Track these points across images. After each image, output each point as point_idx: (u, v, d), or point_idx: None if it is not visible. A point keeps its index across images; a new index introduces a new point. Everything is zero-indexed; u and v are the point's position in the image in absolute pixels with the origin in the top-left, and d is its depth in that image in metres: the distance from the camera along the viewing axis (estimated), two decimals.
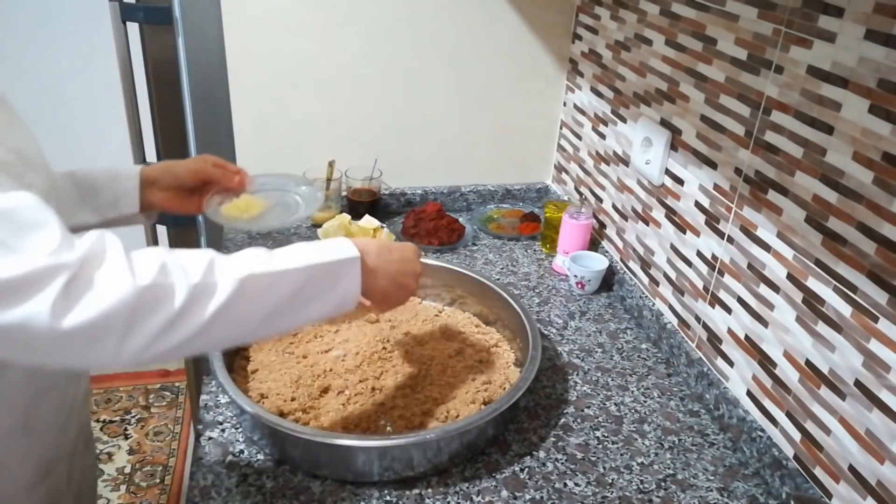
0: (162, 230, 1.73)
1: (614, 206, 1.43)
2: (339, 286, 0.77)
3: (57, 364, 0.65)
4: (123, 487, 2.16)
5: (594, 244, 1.48)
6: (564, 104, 1.65)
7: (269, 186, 1.11)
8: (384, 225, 1.50)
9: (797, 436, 0.93)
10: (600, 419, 1.06)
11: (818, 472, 0.89)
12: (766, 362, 0.99)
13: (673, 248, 1.21)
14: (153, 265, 0.65)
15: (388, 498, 0.90)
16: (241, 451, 0.95)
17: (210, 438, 0.97)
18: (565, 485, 0.93)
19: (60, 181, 0.92)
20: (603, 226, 1.48)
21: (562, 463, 0.97)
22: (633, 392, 1.12)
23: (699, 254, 1.13)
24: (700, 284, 1.14)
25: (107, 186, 0.97)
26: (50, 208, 0.65)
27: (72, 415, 0.91)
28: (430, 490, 0.91)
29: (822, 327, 0.87)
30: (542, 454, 0.98)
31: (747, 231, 1.01)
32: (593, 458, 0.98)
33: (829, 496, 0.87)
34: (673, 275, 1.22)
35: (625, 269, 1.39)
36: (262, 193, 1.09)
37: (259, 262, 0.72)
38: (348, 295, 0.78)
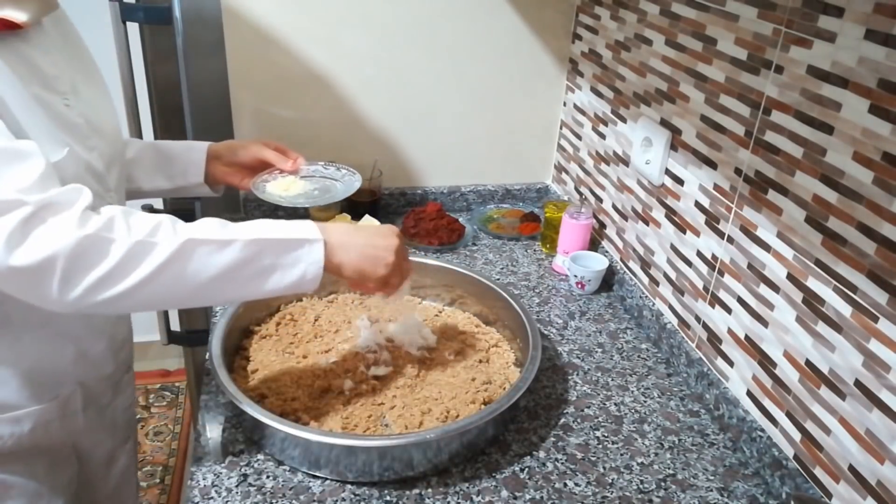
0: None
1: (614, 206, 1.43)
2: (297, 265, 0.80)
3: (10, 293, 0.71)
4: None
5: (594, 244, 1.48)
6: (564, 104, 1.65)
7: (319, 173, 1.18)
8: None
9: (797, 436, 0.93)
10: (600, 419, 1.06)
11: (818, 472, 0.89)
12: (766, 362, 0.99)
13: (673, 248, 1.21)
14: (101, 219, 0.71)
15: (388, 498, 0.90)
16: (241, 451, 0.95)
17: (210, 438, 0.97)
18: (565, 485, 0.93)
19: (144, 150, 1.08)
20: (603, 226, 1.48)
21: (562, 463, 0.97)
22: (633, 392, 1.12)
23: (699, 254, 1.13)
24: (700, 284, 1.14)
25: (180, 157, 1.09)
26: (41, 156, 0.71)
27: (66, 342, 0.91)
28: (430, 490, 0.91)
29: (822, 327, 0.87)
30: (542, 454, 0.98)
31: (747, 231, 1.01)
32: (593, 458, 0.98)
33: (829, 496, 0.88)
34: (673, 275, 1.22)
35: (625, 269, 1.39)
36: (310, 179, 1.15)
37: (209, 229, 0.76)
38: (308, 274, 0.81)
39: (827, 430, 0.87)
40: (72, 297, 0.70)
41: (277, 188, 1.11)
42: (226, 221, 0.79)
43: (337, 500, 0.89)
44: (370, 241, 0.87)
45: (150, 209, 1.68)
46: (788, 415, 0.94)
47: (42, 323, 0.86)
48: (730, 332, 1.06)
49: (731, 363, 1.07)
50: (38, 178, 0.69)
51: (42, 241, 0.68)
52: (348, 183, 1.16)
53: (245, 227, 0.79)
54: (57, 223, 0.69)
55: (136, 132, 1.58)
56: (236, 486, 0.90)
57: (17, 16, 0.73)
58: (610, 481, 0.94)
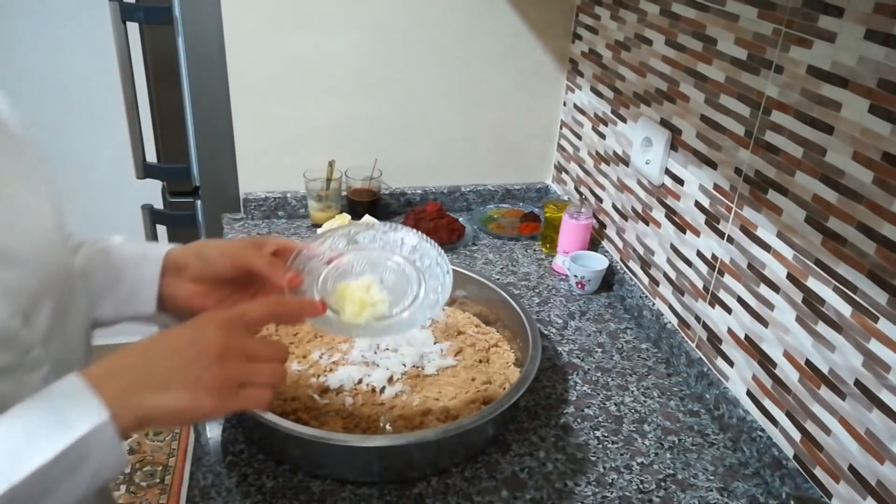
0: (162, 230, 1.73)
1: (614, 206, 1.43)
2: (86, 467, 0.53)
3: None
4: (123, 487, 2.16)
5: (594, 244, 1.48)
6: (564, 104, 1.65)
7: (359, 248, 0.81)
8: None
9: (797, 436, 0.93)
10: (600, 419, 1.06)
11: (818, 471, 0.89)
12: (766, 362, 0.99)
13: (673, 248, 1.21)
14: None
15: (388, 498, 0.90)
16: (241, 451, 0.95)
17: (210, 438, 0.97)
18: (565, 485, 0.93)
19: (94, 258, 0.76)
20: (603, 226, 1.48)
21: (562, 463, 0.97)
22: (633, 392, 1.12)
23: (699, 254, 1.13)
24: (700, 284, 1.14)
25: (129, 273, 0.76)
26: None
27: None
28: (430, 490, 0.91)
29: (822, 327, 0.87)
30: (542, 454, 0.98)
31: (747, 231, 1.01)
32: (593, 458, 0.98)
33: (829, 496, 0.88)
34: (673, 275, 1.22)
35: (625, 269, 1.39)
36: (348, 272, 0.79)
37: None
38: (105, 466, 0.54)
39: (827, 430, 0.87)
40: None
41: (355, 313, 0.74)
42: None
43: (337, 500, 0.89)
44: (168, 363, 0.58)
45: (150, 209, 1.68)
46: (788, 415, 0.94)
47: None
48: (730, 332, 1.06)
49: (731, 363, 1.07)
50: None
51: None
52: (426, 255, 0.80)
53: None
54: None
55: (137, 132, 1.58)
56: (236, 487, 0.90)
57: None
58: (610, 481, 0.94)
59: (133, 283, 0.76)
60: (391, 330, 0.73)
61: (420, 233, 0.82)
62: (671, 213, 1.21)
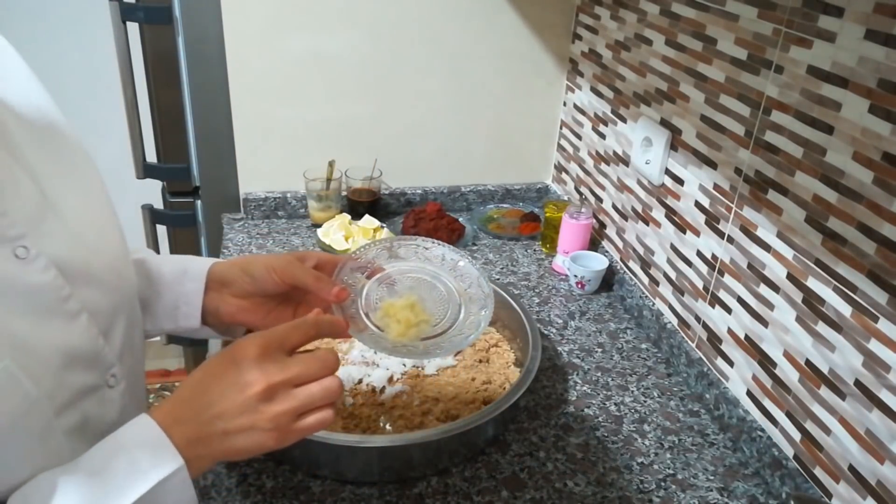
0: (162, 230, 1.73)
1: (614, 206, 1.43)
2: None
3: None
4: None
5: (594, 244, 1.48)
6: (564, 104, 1.65)
7: (384, 267, 0.79)
8: (384, 225, 1.50)
9: (797, 436, 0.93)
10: (600, 419, 1.06)
11: (818, 471, 0.89)
12: (766, 362, 0.99)
13: (673, 248, 1.21)
14: None
15: (388, 498, 0.90)
16: None
17: None
18: (565, 485, 0.93)
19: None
20: (603, 226, 1.48)
21: (562, 463, 0.97)
22: (633, 392, 1.12)
23: (699, 254, 1.13)
24: (700, 284, 1.14)
25: (170, 287, 0.77)
26: None
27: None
28: (430, 490, 0.91)
29: (822, 327, 0.87)
30: (542, 454, 0.98)
31: (747, 231, 1.01)
32: (593, 458, 0.98)
33: (829, 496, 0.88)
34: (673, 275, 1.22)
35: (625, 269, 1.39)
36: (391, 286, 0.78)
37: None
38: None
39: (827, 430, 0.87)
40: None
41: (401, 332, 0.73)
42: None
43: (337, 500, 0.89)
44: (220, 408, 0.57)
45: (150, 209, 1.68)
46: (788, 415, 0.94)
47: None
48: (730, 332, 1.06)
49: (731, 363, 1.07)
50: None
51: None
52: (466, 274, 0.79)
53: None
54: None
55: (137, 132, 1.58)
56: (236, 486, 0.90)
57: None
58: (610, 481, 0.94)
59: (174, 298, 0.77)
60: (437, 352, 0.72)
61: (462, 252, 0.82)
62: (671, 213, 1.21)
